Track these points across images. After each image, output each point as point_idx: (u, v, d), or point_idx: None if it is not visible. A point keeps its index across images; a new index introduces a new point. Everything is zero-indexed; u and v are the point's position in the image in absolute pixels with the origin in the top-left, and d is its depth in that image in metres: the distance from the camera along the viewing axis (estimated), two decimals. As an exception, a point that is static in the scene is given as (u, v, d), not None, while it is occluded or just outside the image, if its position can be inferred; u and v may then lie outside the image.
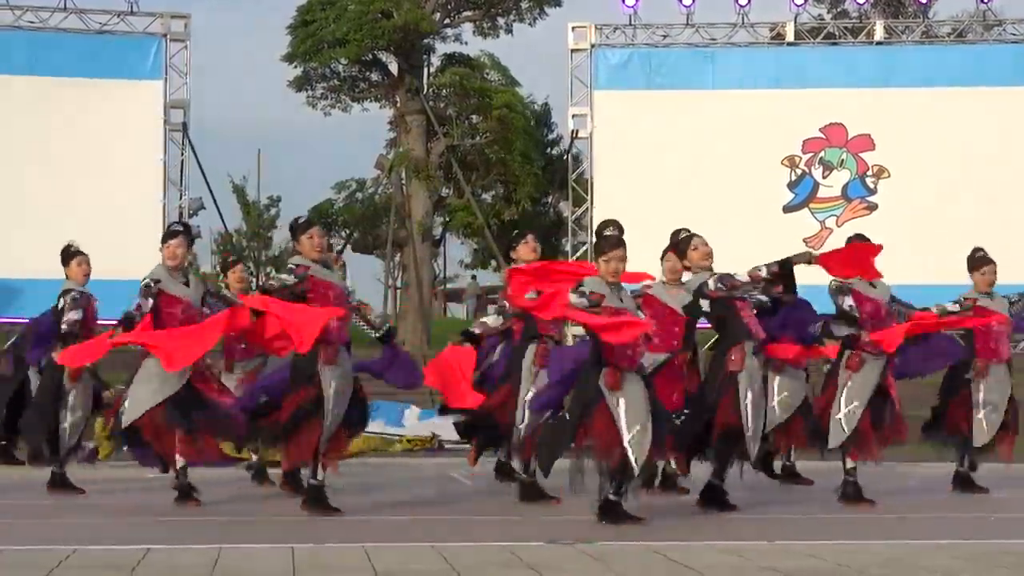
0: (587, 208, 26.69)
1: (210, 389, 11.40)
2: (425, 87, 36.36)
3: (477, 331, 12.18)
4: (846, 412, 11.58)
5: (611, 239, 10.42)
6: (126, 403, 11.31)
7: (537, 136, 40.54)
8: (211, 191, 28.30)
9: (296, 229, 11.23)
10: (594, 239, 10.99)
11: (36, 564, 7.40)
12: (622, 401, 9.75)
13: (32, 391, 13.04)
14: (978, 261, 13.45)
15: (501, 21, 37.25)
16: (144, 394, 11.18)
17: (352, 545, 8.42)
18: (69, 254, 12.87)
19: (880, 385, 11.60)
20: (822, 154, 26.55)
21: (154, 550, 8.16)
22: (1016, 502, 12.61)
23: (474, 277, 46.85)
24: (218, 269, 13.32)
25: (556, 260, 12.31)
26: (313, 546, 8.42)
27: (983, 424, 12.91)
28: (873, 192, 26.39)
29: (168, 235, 11.63)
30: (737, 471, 11.15)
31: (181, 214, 26.35)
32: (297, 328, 10.52)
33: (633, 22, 26.89)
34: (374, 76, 36.83)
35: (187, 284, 11.48)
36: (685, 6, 26.71)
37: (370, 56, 35.87)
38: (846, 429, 11.52)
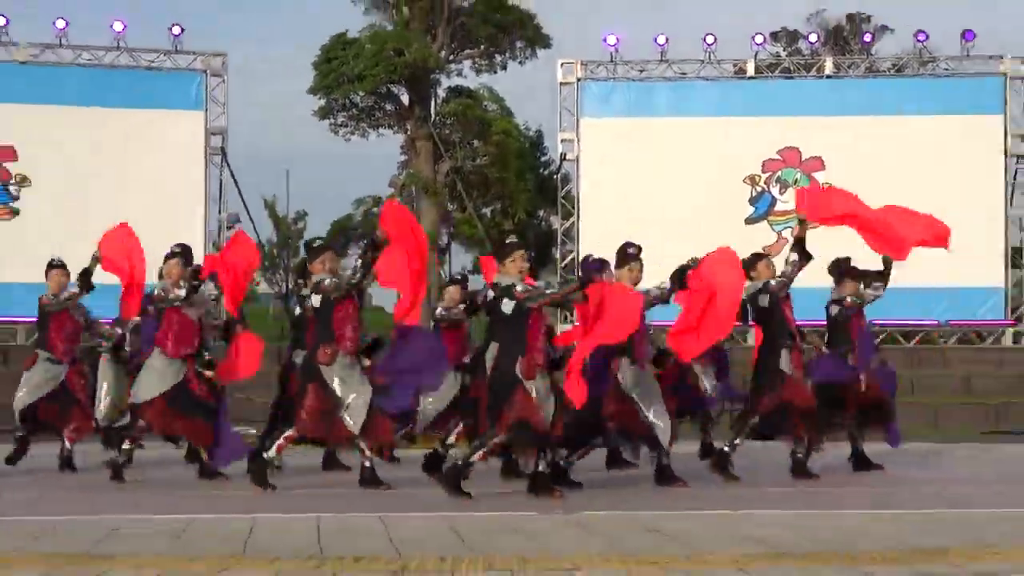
0: (574, 221, 26.71)
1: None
2: (432, 116, 36.44)
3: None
4: None
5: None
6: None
7: (530, 159, 40.58)
8: (246, 207, 28.32)
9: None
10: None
11: (95, 531, 7.41)
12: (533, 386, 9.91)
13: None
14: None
15: (498, 59, 37.35)
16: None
17: (371, 515, 8.43)
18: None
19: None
20: (779, 173, 26.56)
21: (197, 520, 8.16)
22: (938, 477, 12.64)
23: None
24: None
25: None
26: (336, 515, 8.42)
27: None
28: (824, 207, 26.38)
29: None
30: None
31: (220, 227, 26.38)
32: None
33: (614, 59, 26.90)
34: (388, 106, 36.89)
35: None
36: (660, 45, 26.75)
37: (384, 89, 35.95)
38: None
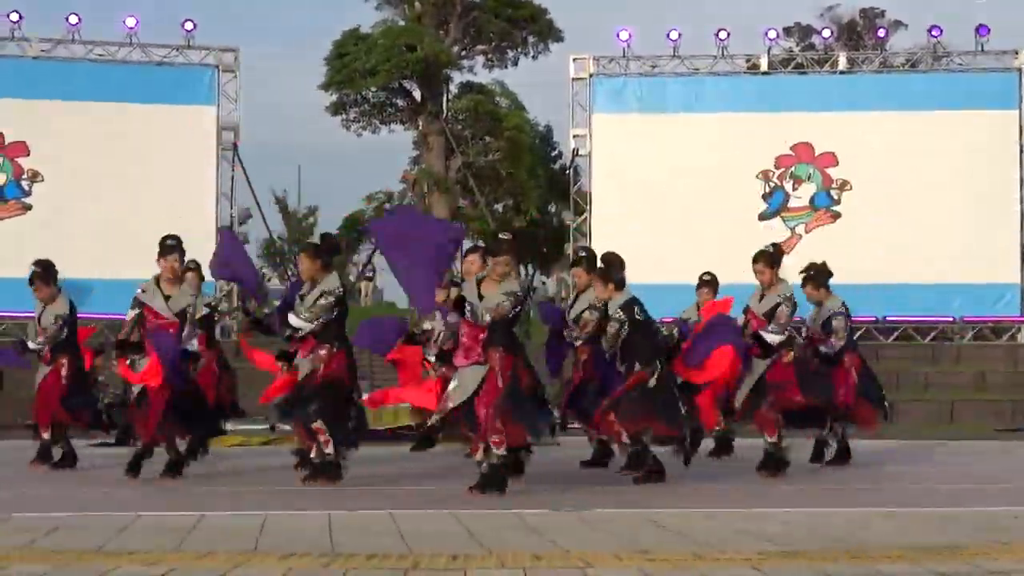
0: (587, 217, 26.70)
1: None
2: (444, 111, 36.47)
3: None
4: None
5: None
6: None
7: (542, 154, 40.57)
8: (257, 202, 28.40)
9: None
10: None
11: (106, 527, 7.42)
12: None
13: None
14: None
15: (510, 54, 37.38)
16: None
17: (381, 511, 8.43)
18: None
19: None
20: (792, 169, 26.52)
21: (208, 516, 8.17)
22: (949, 474, 12.61)
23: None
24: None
25: None
26: (347, 512, 8.42)
27: None
28: (837, 203, 26.36)
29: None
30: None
31: (232, 223, 26.44)
32: None
33: (627, 54, 26.89)
34: (400, 102, 36.95)
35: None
36: (672, 40, 26.75)
37: (396, 84, 36.00)
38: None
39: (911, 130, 25.91)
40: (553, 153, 42.48)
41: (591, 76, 26.81)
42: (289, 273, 43.26)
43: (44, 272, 12.44)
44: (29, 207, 25.34)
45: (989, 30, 26.23)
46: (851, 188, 26.29)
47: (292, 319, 10.77)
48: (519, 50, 37.18)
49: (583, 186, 27.38)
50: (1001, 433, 19.95)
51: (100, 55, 26.13)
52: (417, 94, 36.51)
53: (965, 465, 13.72)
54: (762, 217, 26.41)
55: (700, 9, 68.00)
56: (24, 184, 25.36)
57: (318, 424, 10.64)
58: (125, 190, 25.18)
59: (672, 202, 25.92)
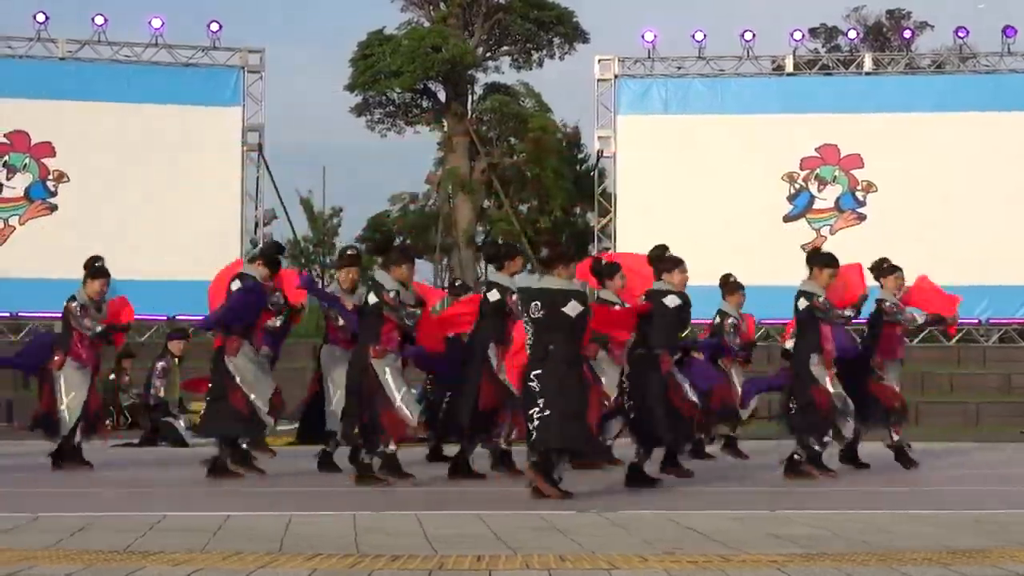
0: (611, 218, 26.68)
1: None
2: (469, 112, 36.50)
3: None
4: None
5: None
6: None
7: (567, 155, 40.52)
8: (282, 203, 28.42)
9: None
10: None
11: (133, 528, 7.45)
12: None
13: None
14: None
15: (535, 55, 37.39)
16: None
17: (406, 513, 8.44)
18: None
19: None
20: (818, 171, 26.44)
21: (233, 517, 8.19)
22: (974, 476, 12.57)
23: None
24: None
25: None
26: (372, 514, 8.44)
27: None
28: (863, 204, 26.27)
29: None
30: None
31: (257, 223, 26.50)
32: None
33: (652, 55, 26.86)
34: (424, 103, 37.00)
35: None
36: (697, 41, 26.72)
37: (421, 85, 36.04)
38: None
39: (937, 132, 25.80)
40: (579, 155, 42.47)
41: (616, 77, 26.79)
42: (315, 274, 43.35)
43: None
44: (55, 208, 25.44)
45: (1016, 31, 26.10)
46: (877, 190, 26.20)
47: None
48: (544, 51, 37.21)
49: (608, 187, 27.36)
50: (1028, 436, 19.85)
51: (126, 56, 26.21)
52: (442, 95, 36.56)
53: (991, 467, 13.67)
54: (787, 219, 26.35)
55: (725, 10, 67.83)
56: (50, 185, 25.46)
57: None
58: (150, 191, 25.25)
59: (697, 204, 25.87)
